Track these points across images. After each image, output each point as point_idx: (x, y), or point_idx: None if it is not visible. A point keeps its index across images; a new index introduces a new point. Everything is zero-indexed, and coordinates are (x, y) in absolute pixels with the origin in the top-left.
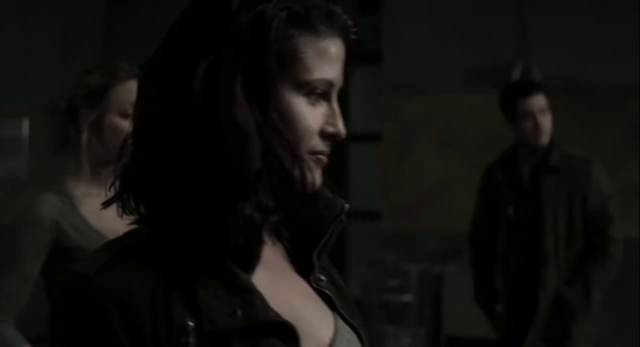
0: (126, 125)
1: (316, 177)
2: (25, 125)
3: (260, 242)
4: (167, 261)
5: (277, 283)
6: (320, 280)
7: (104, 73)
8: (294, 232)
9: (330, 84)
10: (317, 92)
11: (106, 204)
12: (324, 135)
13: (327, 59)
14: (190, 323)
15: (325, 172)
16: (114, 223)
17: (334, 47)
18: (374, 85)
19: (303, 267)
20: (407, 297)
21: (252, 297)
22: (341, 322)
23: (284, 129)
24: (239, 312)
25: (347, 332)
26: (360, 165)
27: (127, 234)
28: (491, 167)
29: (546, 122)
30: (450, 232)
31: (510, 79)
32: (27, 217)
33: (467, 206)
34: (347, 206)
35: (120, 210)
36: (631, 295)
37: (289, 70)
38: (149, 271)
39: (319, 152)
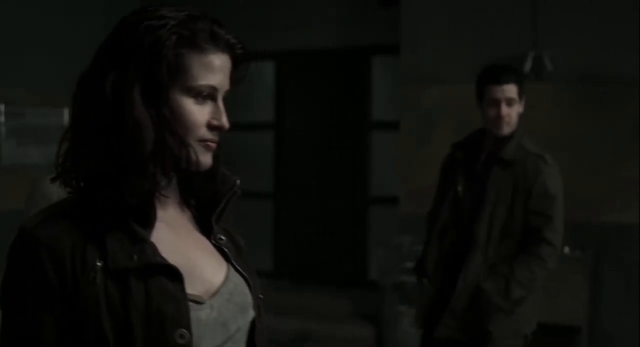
0: None
1: (205, 159)
2: (66, 114)
3: (152, 206)
4: (86, 219)
5: (179, 239)
6: (220, 239)
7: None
8: (199, 201)
9: (214, 88)
10: (203, 95)
11: (53, 180)
12: (210, 127)
13: (210, 69)
14: (99, 263)
15: (342, 158)
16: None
17: (218, 61)
18: (393, 76)
19: (206, 229)
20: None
21: (145, 246)
22: (233, 272)
23: (175, 123)
24: (135, 257)
25: (236, 279)
26: (382, 153)
27: (62, 200)
28: (455, 145)
29: (510, 113)
30: None
31: (522, 69)
32: (35, 193)
33: None
34: (239, 181)
35: (60, 183)
36: (632, 281)
37: (179, 79)
38: (72, 226)
39: (207, 140)
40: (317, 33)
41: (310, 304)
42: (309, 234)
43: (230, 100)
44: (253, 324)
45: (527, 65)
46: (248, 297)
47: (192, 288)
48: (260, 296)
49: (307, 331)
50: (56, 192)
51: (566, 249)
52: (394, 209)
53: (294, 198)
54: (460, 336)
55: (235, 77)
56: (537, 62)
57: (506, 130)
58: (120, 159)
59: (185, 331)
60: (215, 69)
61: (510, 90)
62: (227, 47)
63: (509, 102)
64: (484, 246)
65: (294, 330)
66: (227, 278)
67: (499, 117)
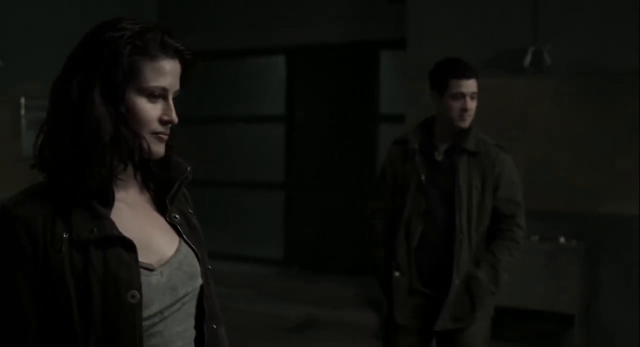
0: None
1: (157, 148)
2: None
3: (110, 188)
4: (56, 199)
5: (137, 217)
6: (175, 217)
7: None
8: (156, 185)
9: (164, 89)
10: (154, 94)
11: (32, 167)
12: (161, 121)
13: (161, 73)
14: (65, 236)
15: (350, 150)
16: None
17: (168, 66)
18: (401, 71)
19: (162, 209)
20: None
21: (104, 222)
22: (184, 245)
23: (130, 118)
24: (95, 230)
25: (186, 251)
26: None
27: (37, 183)
28: (404, 138)
29: (473, 106)
30: None
31: (522, 63)
32: None
33: None
34: (190, 168)
35: (37, 168)
36: (630, 271)
37: (134, 82)
38: (44, 204)
39: (159, 133)
40: (326, 28)
41: (318, 291)
42: (319, 223)
43: (243, 95)
44: (202, 290)
45: (527, 60)
46: (196, 268)
47: (145, 257)
48: (208, 267)
49: (315, 317)
50: None
51: (562, 239)
52: None
53: (304, 188)
54: (450, 325)
55: (185, 78)
56: (537, 57)
57: (468, 123)
58: (84, 149)
59: (136, 292)
60: (165, 72)
61: (474, 85)
62: (176, 54)
63: (473, 96)
64: (467, 236)
65: (303, 315)
66: (178, 250)
67: (464, 111)
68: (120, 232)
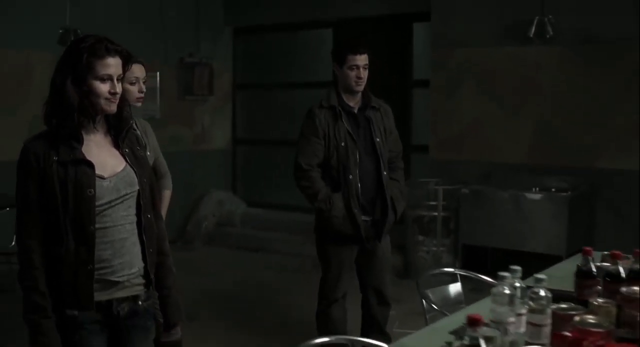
0: (135, 89)
1: (110, 107)
2: (158, 76)
3: (79, 133)
4: (51, 139)
5: (99, 149)
6: (125, 151)
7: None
8: (115, 131)
9: (109, 75)
10: (104, 79)
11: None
12: (110, 93)
13: (106, 66)
14: (55, 159)
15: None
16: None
17: (111, 60)
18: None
19: (118, 146)
20: (433, 213)
21: (76, 151)
22: (129, 167)
23: (91, 93)
24: (71, 156)
25: (129, 170)
26: (422, 107)
27: (43, 131)
28: (330, 103)
29: (365, 75)
30: (483, 161)
31: (527, 33)
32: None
33: (497, 141)
34: (133, 120)
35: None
36: (631, 222)
37: (91, 73)
38: (45, 142)
39: (109, 98)
40: (367, 4)
41: None
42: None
43: (294, 64)
44: (139, 193)
45: (532, 30)
46: (135, 179)
47: (101, 172)
48: (145, 180)
49: None
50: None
51: (552, 189)
52: (426, 156)
53: None
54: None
55: (126, 65)
56: (541, 27)
57: (362, 88)
58: (62, 112)
59: (92, 189)
60: (110, 65)
61: (366, 58)
62: (116, 53)
63: (365, 67)
64: (385, 169)
65: None
66: (123, 169)
67: (359, 78)
68: (85, 157)
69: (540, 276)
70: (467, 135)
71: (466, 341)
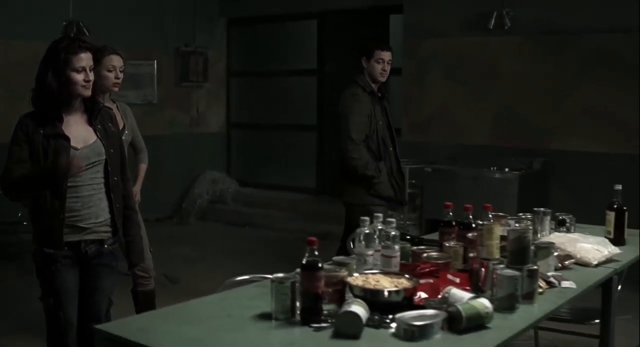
0: (112, 75)
1: (85, 92)
2: (156, 64)
3: (60, 113)
4: (38, 117)
5: (76, 126)
6: (97, 127)
7: (99, 51)
8: (89, 112)
9: (83, 67)
10: (79, 70)
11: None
12: (85, 81)
13: (80, 60)
14: (41, 132)
15: None
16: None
17: (83, 55)
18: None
19: (92, 123)
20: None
21: (57, 128)
22: (98, 140)
23: (68, 81)
24: (52, 131)
25: (98, 143)
26: (398, 94)
27: (35, 110)
28: (370, 89)
29: (389, 69)
30: (450, 142)
31: (487, 25)
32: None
33: (462, 124)
34: (103, 103)
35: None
36: (581, 197)
37: (68, 66)
38: (33, 119)
39: (83, 86)
40: None
41: (339, 212)
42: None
43: (283, 53)
44: (106, 161)
45: (491, 22)
46: (102, 150)
47: (75, 144)
48: (112, 150)
49: (335, 231)
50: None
51: (506, 169)
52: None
53: (332, 130)
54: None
55: (96, 58)
56: (499, 19)
57: (385, 79)
58: (44, 97)
59: (67, 156)
60: (82, 60)
61: (390, 55)
62: (87, 50)
63: (389, 62)
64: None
65: (325, 230)
66: (94, 142)
67: (384, 71)
68: (63, 132)
69: (391, 219)
70: (435, 119)
71: (306, 258)
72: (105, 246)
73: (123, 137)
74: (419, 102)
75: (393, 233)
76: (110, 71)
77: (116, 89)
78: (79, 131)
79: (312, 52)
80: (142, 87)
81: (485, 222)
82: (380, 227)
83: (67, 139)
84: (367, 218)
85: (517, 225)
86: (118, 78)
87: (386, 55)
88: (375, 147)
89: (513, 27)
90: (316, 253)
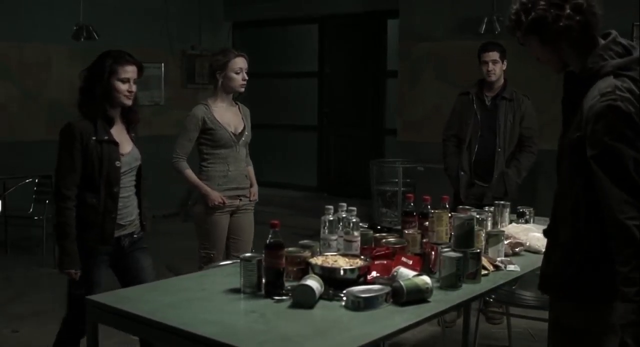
0: (239, 77)
1: (126, 101)
2: (163, 66)
3: (110, 120)
4: (88, 122)
5: (121, 134)
6: (132, 136)
7: (224, 55)
8: (128, 121)
9: (127, 78)
10: (124, 80)
11: (79, 110)
12: (128, 91)
13: (125, 72)
14: (93, 138)
15: (366, 99)
16: (227, 118)
17: (129, 67)
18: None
19: (129, 131)
20: (395, 188)
21: (108, 133)
22: (135, 148)
23: (114, 90)
24: (105, 137)
25: (135, 150)
26: (394, 95)
27: (82, 117)
28: (465, 91)
29: (494, 68)
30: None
31: (478, 29)
32: (189, 114)
33: None
34: (136, 110)
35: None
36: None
37: (114, 76)
38: (85, 124)
39: (126, 96)
40: (349, 1)
41: None
42: (343, 158)
43: (285, 55)
44: (139, 167)
45: (482, 28)
46: (139, 156)
47: (122, 150)
48: (141, 156)
49: None
50: (199, 113)
51: None
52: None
53: (332, 130)
54: (489, 201)
55: (140, 70)
56: (489, 24)
57: (494, 78)
58: (91, 103)
59: (119, 161)
60: (128, 72)
61: (493, 54)
62: (133, 63)
63: (494, 62)
64: (502, 150)
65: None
66: (132, 149)
67: (488, 71)
68: (114, 138)
69: (352, 208)
70: (428, 119)
71: (269, 239)
72: (135, 236)
73: (242, 139)
74: (412, 102)
75: (354, 220)
76: (237, 73)
77: (242, 89)
78: (121, 138)
79: (313, 55)
80: (150, 89)
81: (436, 211)
82: (343, 215)
83: (116, 144)
84: (331, 207)
85: (478, 216)
86: (245, 79)
87: (488, 57)
88: (464, 144)
89: (503, 31)
90: (278, 235)
